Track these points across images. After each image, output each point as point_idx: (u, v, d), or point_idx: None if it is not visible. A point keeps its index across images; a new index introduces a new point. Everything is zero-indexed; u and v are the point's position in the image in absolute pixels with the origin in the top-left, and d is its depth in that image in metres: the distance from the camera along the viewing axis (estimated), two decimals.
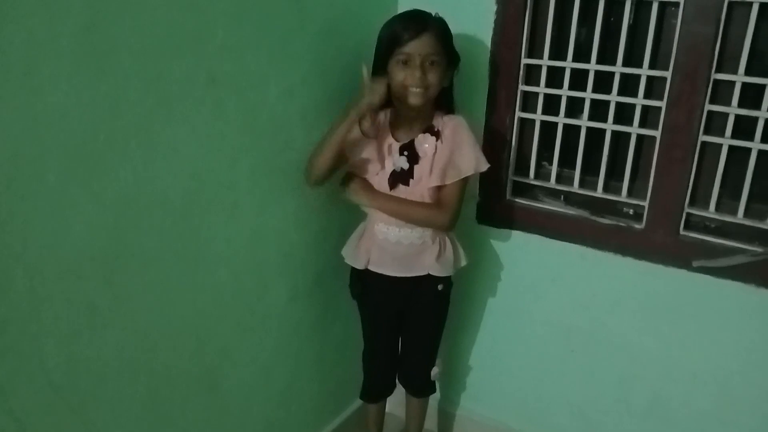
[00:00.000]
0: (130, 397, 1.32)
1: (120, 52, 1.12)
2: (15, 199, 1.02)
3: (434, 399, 2.11)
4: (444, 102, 1.66)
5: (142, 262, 1.27)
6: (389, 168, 1.63)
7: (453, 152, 1.60)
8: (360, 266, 1.71)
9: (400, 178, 1.63)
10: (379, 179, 1.64)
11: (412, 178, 1.62)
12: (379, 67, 1.58)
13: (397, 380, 1.92)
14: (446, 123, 1.62)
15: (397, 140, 1.64)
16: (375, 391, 1.94)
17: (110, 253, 1.20)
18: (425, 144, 1.61)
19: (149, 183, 1.24)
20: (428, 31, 1.52)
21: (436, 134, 1.61)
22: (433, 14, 1.57)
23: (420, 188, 1.62)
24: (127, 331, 1.27)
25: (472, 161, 1.60)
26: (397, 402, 2.04)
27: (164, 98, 1.22)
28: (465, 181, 1.63)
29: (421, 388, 1.91)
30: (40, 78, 1.01)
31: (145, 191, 1.23)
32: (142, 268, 1.27)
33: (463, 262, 1.77)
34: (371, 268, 1.71)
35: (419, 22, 1.53)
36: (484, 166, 1.62)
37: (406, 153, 1.62)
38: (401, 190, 1.63)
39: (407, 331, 1.84)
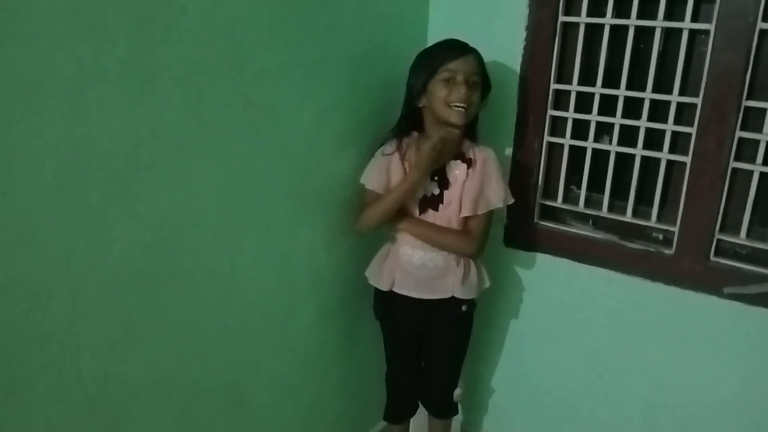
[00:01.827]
0: (161, 413, 1.34)
1: (162, 78, 1.15)
2: (60, 217, 1.05)
3: (457, 421, 2.11)
4: (470, 129, 1.69)
5: (177, 281, 1.30)
6: (420, 193, 1.66)
7: (483, 184, 1.63)
8: (384, 288, 1.72)
9: (430, 203, 1.66)
10: (410, 205, 1.67)
11: (442, 203, 1.65)
12: (417, 88, 1.60)
13: (420, 402, 1.93)
14: (477, 154, 1.65)
15: None
16: (398, 412, 1.94)
17: (147, 271, 1.23)
18: (456, 170, 1.64)
19: (186, 204, 1.27)
20: (472, 53, 1.59)
21: (468, 162, 1.64)
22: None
23: (448, 213, 1.65)
24: (160, 348, 1.30)
25: (500, 194, 1.64)
26: (420, 424, 2.03)
27: (203, 122, 1.26)
28: (492, 212, 1.66)
29: (443, 409, 1.91)
30: (87, 101, 1.05)
31: (182, 211, 1.26)
32: (177, 287, 1.30)
33: (487, 284, 1.78)
34: (395, 289, 1.72)
35: (462, 45, 1.60)
36: (510, 199, 1.68)
37: (436, 178, 1.65)
38: (430, 215, 1.66)
39: (430, 352, 1.85)
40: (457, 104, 1.56)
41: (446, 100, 1.57)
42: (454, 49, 1.58)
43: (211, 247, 1.36)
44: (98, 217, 1.11)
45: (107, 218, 1.13)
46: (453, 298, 1.70)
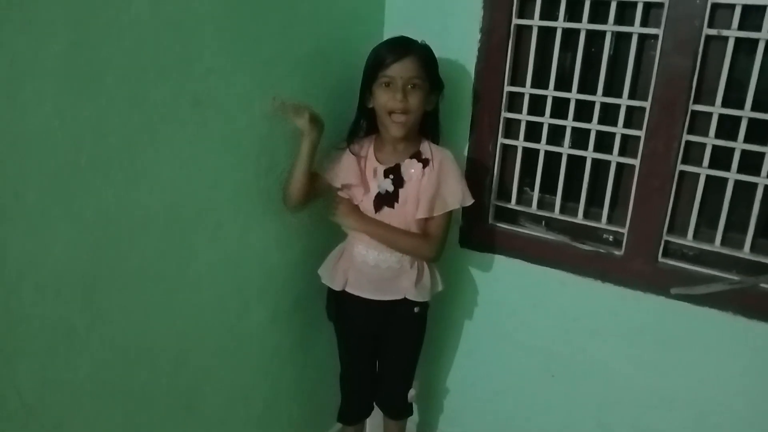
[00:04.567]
0: (106, 419, 1.30)
1: (104, 74, 1.12)
2: None
3: (413, 422, 2.10)
4: (428, 128, 1.69)
5: (122, 283, 1.26)
6: (374, 190, 1.65)
7: (440, 185, 1.63)
8: (337, 287, 1.71)
9: (385, 200, 1.64)
10: (365, 202, 1.66)
11: (397, 201, 1.64)
12: (365, 90, 1.62)
13: (375, 403, 1.92)
14: (435, 154, 1.65)
15: (381, 163, 1.65)
16: (353, 414, 1.93)
17: (89, 274, 1.19)
18: (411, 169, 1.63)
19: (131, 204, 1.23)
20: (411, 55, 1.55)
21: (424, 161, 1.63)
22: (419, 41, 1.60)
23: (405, 212, 1.64)
24: (105, 352, 1.26)
25: (458, 195, 1.63)
26: (375, 425, 2.03)
27: (148, 120, 1.22)
28: (450, 213, 1.66)
29: (398, 410, 1.91)
30: (23, 98, 1.01)
31: (126, 212, 1.23)
32: (122, 289, 1.26)
33: (440, 287, 1.78)
34: (348, 289, 1.71)
35: (403, 46, 1.57)
36: (469, 200, 1.66)
37: (391, 176, 1.64)
38: (386, 213, 1.65)
39: (384, 353, 1.84)
40: (396, 113, 1.56)
41: (385, 106, 1.56)
42: (391, 53, 1.55)
43: (158, 248, 1.32)
44: (36, 218, 1.07)
45: (46, 219, 1.09)
46: (405, 299, 1.70)
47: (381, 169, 1.65)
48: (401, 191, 1.64)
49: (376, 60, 1.57)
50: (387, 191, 1.64)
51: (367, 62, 1.61)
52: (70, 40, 1.05)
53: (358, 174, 1.64)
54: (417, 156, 1.65)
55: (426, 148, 1.66)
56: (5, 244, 1.04)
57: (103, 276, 1.22)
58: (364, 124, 1.69)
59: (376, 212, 1.66)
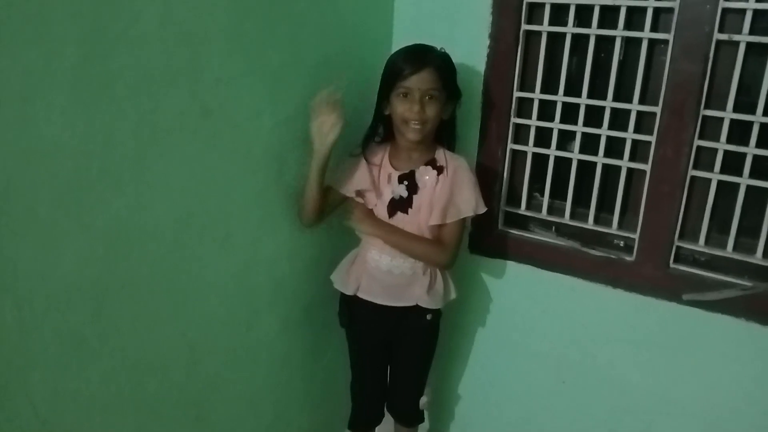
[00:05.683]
0: (117, 429, 1.30)
1: (115, 85, 1.12)
2: (5, 230, 1.01)
3: (423, 429, 2.09)
4: (444, 136, 1.69)
5: (132, 294, 1.26)
6: (388, 196, 1.65)
7: (454, 192, 1.63)
8: (349, 292, 1.71)
9: (399, 206, 1.65)
10: (379, 207, 1.67)
11: (411, 207, 1.65)
12: (382, 98, 1.62)
13: (385, 410, 1.91)
14: (449, 162, 1.65)
15: (396, 169, 1.66)
16: (363, 421, 1.92)
17: (100, 285, 1.19)
18: (426, 176, 1.64)
19: (141, 214, 1.24)
20: (429, 66, 1.55)
21: (438, 169, 1.63)
22: (438, 48, 1.60)
23: (418, 219, 1.64)
24: (116, 363, 1.26)
25: (471, 203, 1.63)
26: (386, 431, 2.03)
27: (158, 130, 1.23)
28: (464, 221, 1.66)
29: (409, 417, 1.90)
30: (35, 110, 1.01)
31: (136, 222, 1.23)
32: (132, 300, 1.27)
33: (453, 296, 1.77)
34: (360, 295, 1.71)
35: (421, 58, 1.56)
36: (483, 208, 1.65)
37: (405, 182, 1.65)
38: (399, 218, 1.65)
39: (395, 360, 1.83)
40: (413, 122, 1.56)
41: (402, 116, 1.57)
42: (409, 64, 1.54)
43: (168, 258, 1.33)
44: (47, 230, 1.07)
45: (57, 230, 1.09)
46: (418, 306, 1.70)
47: (396, 175, 1.65)
48: (415, 197, 1.64)
49: (394, 70, 1.57)
50: (401, 197, 1.65)
51: (384, 70, 1.61)
52: (80, 52, 1.05)
53: (370, 180, 1.65)
54: (432, 163, 1.65)
55: (441, 155, 1.66)
56: (17, 255, 1.04)
57: (113, 286, 1.22)
58: (381, 130, 1.69)
59: (389, 218, 1.66)
